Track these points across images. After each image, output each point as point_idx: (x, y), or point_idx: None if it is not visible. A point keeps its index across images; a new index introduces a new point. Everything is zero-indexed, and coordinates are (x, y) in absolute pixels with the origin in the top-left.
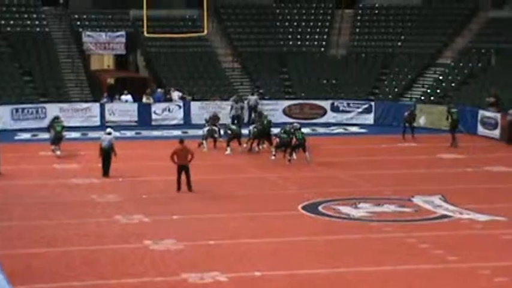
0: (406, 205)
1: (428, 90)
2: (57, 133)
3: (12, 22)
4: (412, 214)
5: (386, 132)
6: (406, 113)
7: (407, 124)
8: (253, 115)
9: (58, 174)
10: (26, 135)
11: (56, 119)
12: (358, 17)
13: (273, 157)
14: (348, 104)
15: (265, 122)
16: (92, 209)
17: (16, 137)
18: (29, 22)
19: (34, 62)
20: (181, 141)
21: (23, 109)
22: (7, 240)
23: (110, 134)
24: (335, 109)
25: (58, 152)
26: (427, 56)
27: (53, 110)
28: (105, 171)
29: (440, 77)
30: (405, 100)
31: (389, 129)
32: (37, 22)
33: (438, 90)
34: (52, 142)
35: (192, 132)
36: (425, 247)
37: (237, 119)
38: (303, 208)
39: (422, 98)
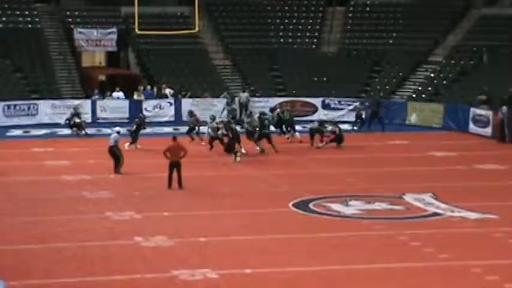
0: (397, 203)
1: (420, 88)
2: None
3: (4, 18)
4: (403, 212)
5: (377, 129)
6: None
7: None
8: (243, 113)
9: (49, 171)
10: (18, 132)
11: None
12: (350, 14)
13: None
14: (339, 102)
15: (286, 115)
16: (83, 205)
17: (8, 134)
18: (21, 19)
19: (26, 59)
20: (174, 138)
21: (15, 105)
22: None
23: (118, 132)
24: (326, 106)
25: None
26: (419, 54)
27: (44, 106)
28: (115, 168)
29: (432, 75)
30: (396, 98)
31: (380, 127)
32: (29, 19)
33: (430, 88)
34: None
35: (183, 129)
36: (417, 245)
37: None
38: (294, 205)
39: (414, 95)
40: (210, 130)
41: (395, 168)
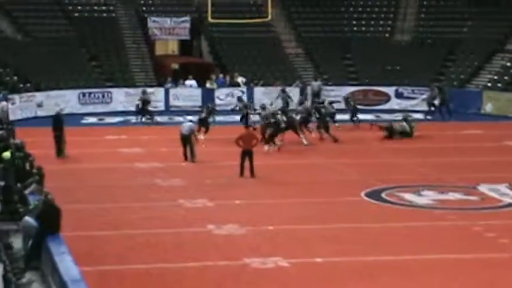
0: (471, 193)
1: (496, 77)
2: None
3: (79, 7)
4: (477, 202)
5: (451, 119)
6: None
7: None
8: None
9: (123, 158)
10: (93, 119)
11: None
12: (424, 2)
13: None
14: (413, 91)
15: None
16: (156, 192)
17: (83, 121)
18: (96, 7)
19: (101, 47)
20: (246, 126)
21: (89, 93)
22: (74, 222)
23: (190, 121)
24: (399, 95)
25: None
26: (495, 42)
27: (118, 94)
28: (186, 156)
29: (508, 64)
30: (471, 87)
31: (455, 116)
32: (104, 7)
33: (505, 77)
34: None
35: (254, 117)
36: (491, 236)
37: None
38: (366, 195)
39: (489, 84)
40: (260, 118)
41: (469, 158)
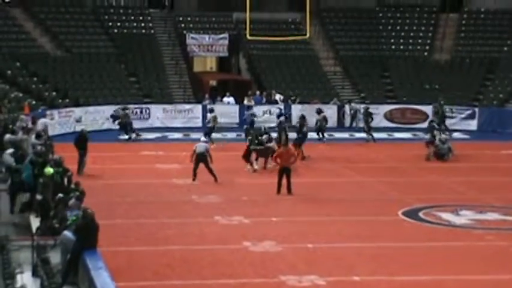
0: (510, 213)
1: None
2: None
3: (119, 24)
4: None
5: (490, 138)
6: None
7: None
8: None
9: (159, 174)
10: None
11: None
12: (463, 21)
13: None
14: (451, 110)
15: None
16: (192, 209)
17: (120, 137)
18: (135, 24)
19: (139, 63)
20: (285, 143)
21: None
22: (110, 237)
23: (205, 142)
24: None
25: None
26: None
27: (156, 110)
28: (195, 175)
29: None
30: (510, 106)
31: (493, 136)
32: (143, 24)
33: None
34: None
35: (292, 135)
36: None
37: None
38: (404, 214)
39: None
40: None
41: (508, 178)
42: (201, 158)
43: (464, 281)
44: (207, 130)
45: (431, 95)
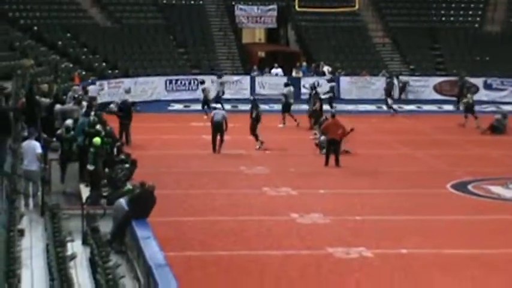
0: None
1: None
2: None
3: None
4: None
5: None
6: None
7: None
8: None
9: (207, 145)
10: (179, 106)
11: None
12: None
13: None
14: (502, 82)
15: None
16: (240, 180)
17: (169, 108)
18: None
19: (188, 35)
20: (333, 115)
21: (176, 80)
22: (160, 208)
23: (222, 109)
24: (488, 87)
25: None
26: None
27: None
28: (215, 147)
29: None
30: None
31: None
32: None
33: None
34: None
35: (340, 107)
36: None
37: None
38: (452, 186)
39: None
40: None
41: None
42: (218, 128)
43: (511, 254)
44: (216, 98)
45: (481, 67)
